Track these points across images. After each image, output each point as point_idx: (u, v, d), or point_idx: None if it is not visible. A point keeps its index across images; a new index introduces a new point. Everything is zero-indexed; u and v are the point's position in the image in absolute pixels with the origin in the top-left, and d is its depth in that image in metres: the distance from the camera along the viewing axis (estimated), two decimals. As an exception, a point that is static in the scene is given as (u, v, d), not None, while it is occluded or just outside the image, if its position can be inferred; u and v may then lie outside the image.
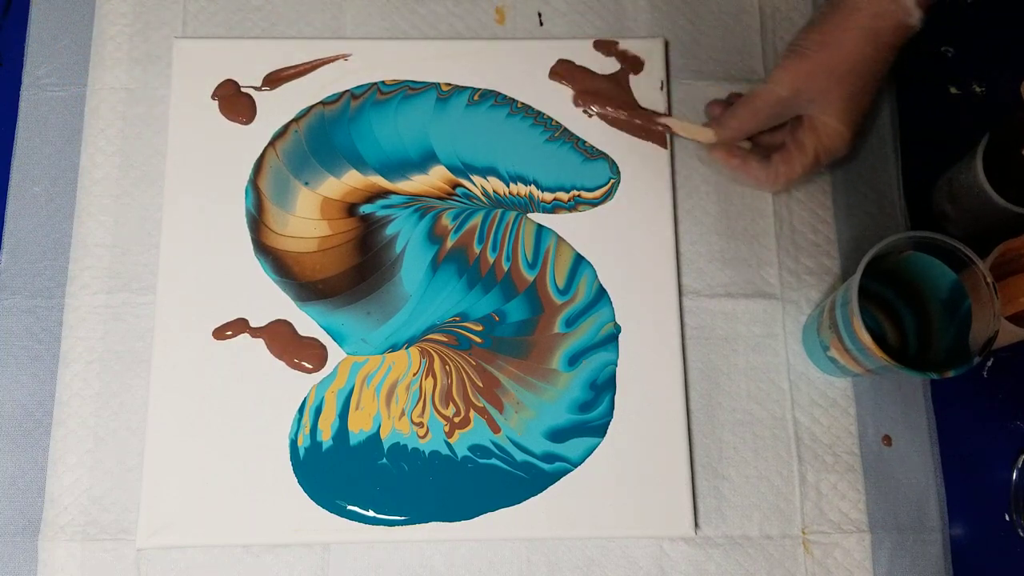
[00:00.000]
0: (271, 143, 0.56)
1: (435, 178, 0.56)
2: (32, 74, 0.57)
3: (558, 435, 0.52)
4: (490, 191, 0.56)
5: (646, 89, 0.57)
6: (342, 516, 0.50)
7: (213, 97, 0.56)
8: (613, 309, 0.54)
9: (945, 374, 0.44)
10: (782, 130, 0.53)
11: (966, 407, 0.54)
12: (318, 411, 0.52)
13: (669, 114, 0.57)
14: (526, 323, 0.53)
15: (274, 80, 0.57)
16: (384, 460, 0.51)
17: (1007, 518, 0.52)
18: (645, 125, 0.56)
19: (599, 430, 0.52)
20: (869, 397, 0.53)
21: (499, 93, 0.57)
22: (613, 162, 0.56)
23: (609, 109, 0.57)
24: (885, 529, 0.51)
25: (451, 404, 0.52)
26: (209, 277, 0.53)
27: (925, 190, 0.57)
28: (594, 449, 0.52)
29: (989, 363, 0.55)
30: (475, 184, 0.56)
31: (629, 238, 0.55)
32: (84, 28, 0.58)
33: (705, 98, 0.58)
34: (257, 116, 0.56)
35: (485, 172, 0.56)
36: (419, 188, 0.56)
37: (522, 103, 0.57)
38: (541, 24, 0.59)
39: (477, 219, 0.55)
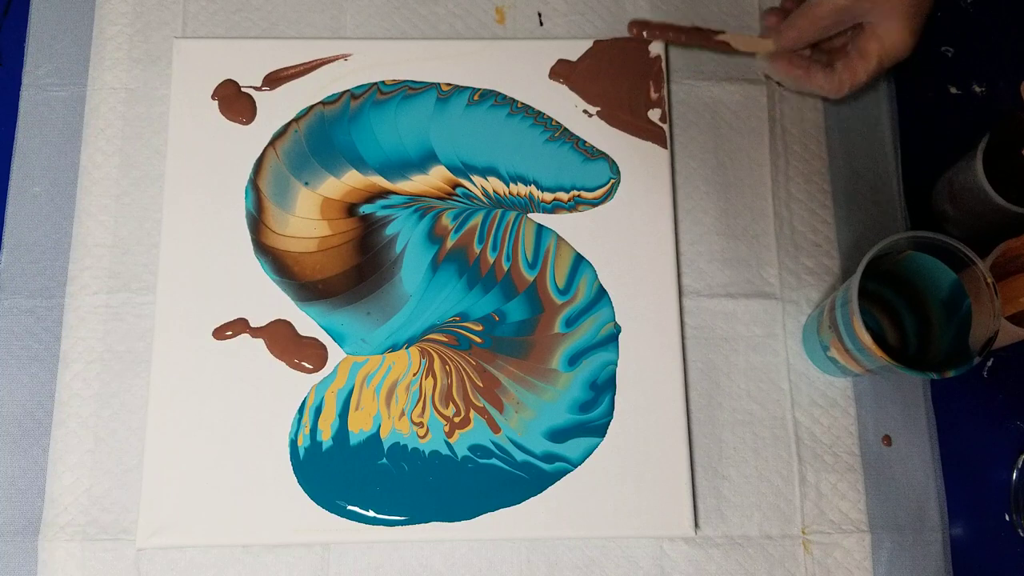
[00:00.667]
0: (271, 143, 0.56)
1: (435, 178, 0.56)
2: (32, 74, 0.57)
3: (558, 435, 0.52)
4: (490, 191, 0.56)
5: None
6: (342, 516, 0.50)
7: (213, 97, 0.56)
8: (613, 309, 0.54)
9: (945, 374, 0.44)
10: (843, 34, 0.53)
11: (966, 407, 0.54)
12: (318, 411, 0.52)
13: (723, 32, 0.56)
14: (526, 323, 0.53)
15: (274, 80, 0.57)
16: (384, 460, 0.51)
17: (1007, 518, 0.52)
18: (705, 44, 0.56)
19: (599, 430, 0.52)
20: (869, 397, 0.53)
21: (499, 93, 0.57)
22: (613, 162, 0.56)
23: (671, 34, 0.56)
24: (885, 529, 0.51)
25: (451, 404, 0.52)
26: (209, 277, 0.53)
27: (925, 190, 0.57)
28: (594, 449, 0.52)
29: (989, 363, 0.55)
30: (475, 184, 0.56)
31: (629, 238, 0.55)
32: (84, 28, 0.58)
33: (705, 98, 0.58)
34: (257, 116, 0.56)
35: (485, 172, 0.56)
36: (419, 188, 0.56)
37: (522, 103, 0.57)
38: (541, 24, 0.59)
39: (477, 219, 0.55)
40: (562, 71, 0.58)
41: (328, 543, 0.50)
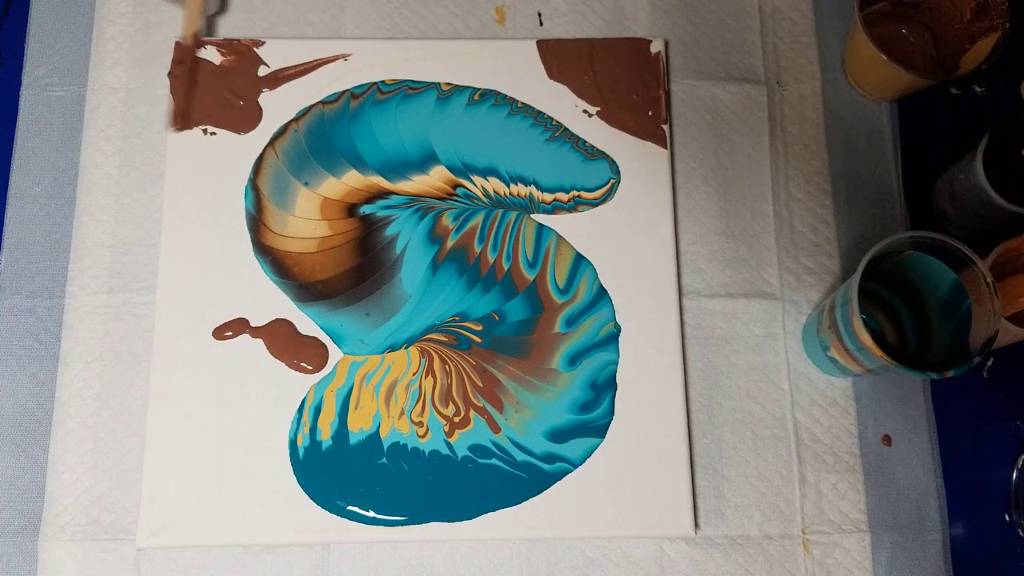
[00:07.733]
0: (271, 143, 0.56)
1: (435, 178, 0.56)
2: (32, 74, 0.57)
3: (558, 435, 0.52)
4: (491, 191, 0.56)
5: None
6: (342, 516, 0.50)
7: (213, 97, 0.56)
8: (613, 309, 0.54)
9: (945, 374, 0.44)
10: None
11: (966, 407, 0.54)
12: (317, 410, 0.52)
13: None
14: (526, 323, 0.53)
15: (274, 80, 0.57)
16: (384, 460, 0.51)
17: (1007, 518, 0.52)
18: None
19: (599, 430, 0.52)
20: (869, 397, 0.53)
21: (499, 93, 0.57)
22: (613, 162, 0.56)
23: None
24: (885, 529, 0.51)
25: (451, 404, 0.52)
26: (209, 277, 0.53)
27: (925, 190, 0.57)
28: (594, 449, 0.52)
29: (989, 363, 0.55)
30: (475, 184, 0.56)
31: (629, 238, 0.55)
32: (84, 28, 0.58)
33: (705, 98, 0.58)
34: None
35: (485, 172, 0.56)
36: (419, 188, 0.56)
37: (522, 103, 0.57)
38: (541, 24, 0.59)
39: (478, 219, 0.55)
40: (562, 71, 0.58)
41: (328, 543, 0.50)
